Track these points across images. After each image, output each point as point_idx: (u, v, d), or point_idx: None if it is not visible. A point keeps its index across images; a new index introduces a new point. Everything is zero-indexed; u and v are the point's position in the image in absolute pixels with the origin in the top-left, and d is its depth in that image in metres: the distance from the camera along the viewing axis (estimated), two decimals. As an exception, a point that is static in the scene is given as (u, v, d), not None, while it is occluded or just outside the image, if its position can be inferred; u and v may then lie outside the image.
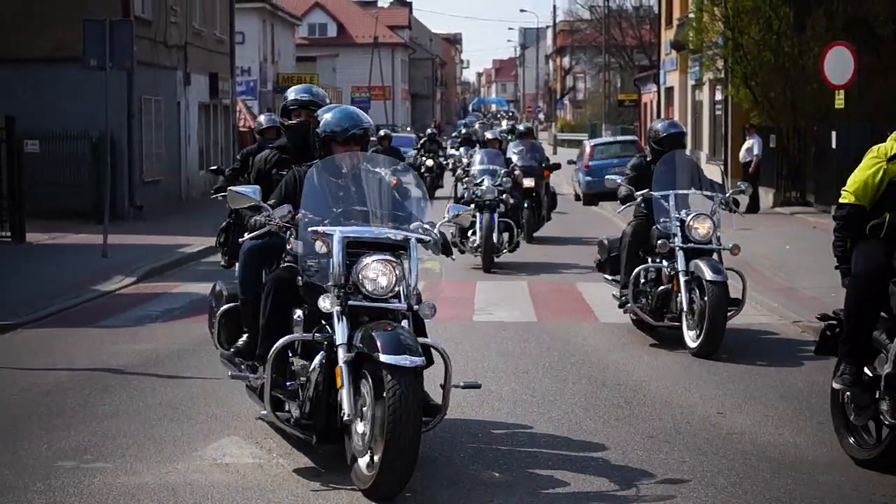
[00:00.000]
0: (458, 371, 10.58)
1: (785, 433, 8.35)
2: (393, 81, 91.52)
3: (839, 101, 25.07)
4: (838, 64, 24.76)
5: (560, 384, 10.02)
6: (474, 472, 7.36)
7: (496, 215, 18.32)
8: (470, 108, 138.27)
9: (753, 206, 28.46)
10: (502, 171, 19.25)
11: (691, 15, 35.90)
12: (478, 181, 18.83)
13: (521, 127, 28.07)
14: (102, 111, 20.41)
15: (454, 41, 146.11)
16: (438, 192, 34.37)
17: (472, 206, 17.90)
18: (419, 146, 38.22)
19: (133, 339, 12.41)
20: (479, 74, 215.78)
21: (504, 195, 18.80)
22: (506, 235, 18.79)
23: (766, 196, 30.26)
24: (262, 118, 14.46)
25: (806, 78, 29.21)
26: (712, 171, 21.92)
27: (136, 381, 10.18)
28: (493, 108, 51.63)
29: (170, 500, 6.81)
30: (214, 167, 16.88)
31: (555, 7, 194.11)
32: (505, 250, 18.74)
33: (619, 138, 42.30)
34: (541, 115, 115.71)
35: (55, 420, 8.74)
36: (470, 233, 18.55)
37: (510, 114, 51.70)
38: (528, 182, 21.86)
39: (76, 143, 27.18)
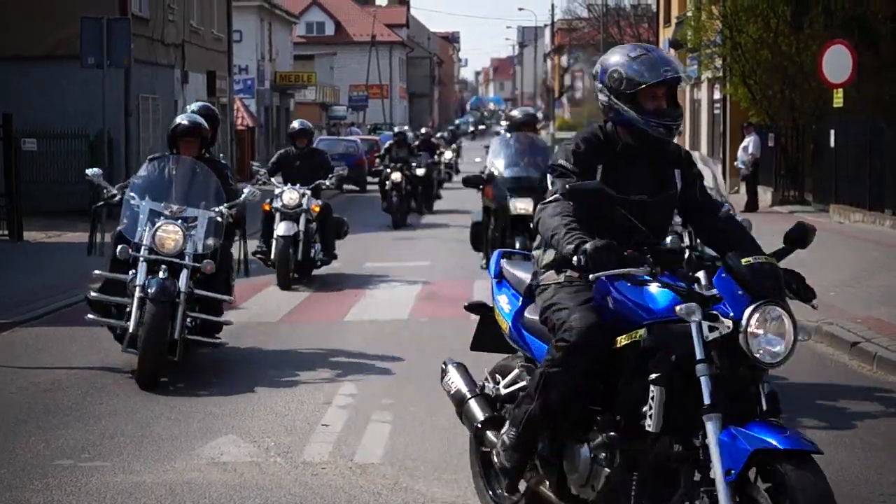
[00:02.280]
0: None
1: (783, 432, 8.31)
2: (391, 80, 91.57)
3: (838, 100, 25.08)
4: (837, 62, 24.78)
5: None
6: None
7: None
8: (468, 107, 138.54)
9: (752, 205, 28.50)
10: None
11: (689, 13, 35.94)
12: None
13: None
14: (100, 109, 20.42)
15: (452, 40, 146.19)
16: (412, 218, 27.62)
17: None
18: (384, 152, 28.34)
19: (131, 338, 12.36)
20: (478, 73, 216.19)
21: None
22: None
23: (765, 194, 30.28)
24: (180, 118, 11.53)
25: (804, 76, 29.25)
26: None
27: (133, 379, 10.16)
28: (491, 106, 51.77)
29: (167, 499, 6.80)
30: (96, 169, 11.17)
31: (553, 5, 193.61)
32: None
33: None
34: (539, 114, 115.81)
35: (52, 419, 8.73)
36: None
37: (508, 112, 51.79)
38: (522, 206, 12.39)
39: (74, 142, 27.19)
